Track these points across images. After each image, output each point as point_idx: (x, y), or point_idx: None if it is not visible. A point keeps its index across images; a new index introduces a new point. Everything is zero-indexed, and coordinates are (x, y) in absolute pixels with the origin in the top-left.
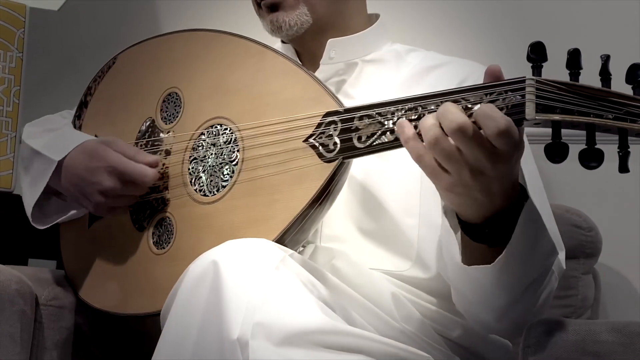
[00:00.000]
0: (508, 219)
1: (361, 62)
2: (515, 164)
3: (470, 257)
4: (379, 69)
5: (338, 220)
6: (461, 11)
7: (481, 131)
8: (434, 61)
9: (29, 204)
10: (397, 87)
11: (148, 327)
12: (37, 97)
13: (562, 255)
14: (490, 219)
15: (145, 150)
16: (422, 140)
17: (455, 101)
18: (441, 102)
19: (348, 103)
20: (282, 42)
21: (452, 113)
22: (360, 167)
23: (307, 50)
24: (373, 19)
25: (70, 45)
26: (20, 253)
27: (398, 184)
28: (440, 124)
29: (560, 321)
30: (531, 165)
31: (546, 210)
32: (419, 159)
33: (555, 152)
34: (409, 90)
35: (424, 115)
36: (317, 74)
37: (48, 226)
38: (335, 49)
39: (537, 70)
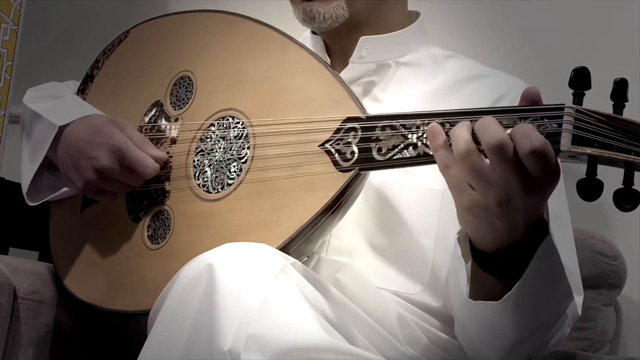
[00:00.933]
0: (524, 253)
1: (394, 63)
2: (546, 199)
3: (477, 290)
4: (413, 73)
5: (348, 232)
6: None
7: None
8: (473, 72)
9: (27, 176)
10: (430, 96)
11: (132, 331)
12: (31, 74)
13: (579, 300)
14: (504, 250)
15: (149, 136)
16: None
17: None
18: (471, 120)
19: (375, 107)
20: (312, 32)
21: (494, 128)
22: (378, 176)
23: (337, 45)
24: (412, 17)
25: (70, 20)
26: (0, 241)
27: (417, 200)
28: (475, 137)
29: (575, 355)
30: (562, 199)
31: (569, 248)
32: (445, 169)
33: (590, 190)
34: (442, 101)
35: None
36: (345, 72)
37: (39, 203)
38: (367, 47)
39: (578, 98)
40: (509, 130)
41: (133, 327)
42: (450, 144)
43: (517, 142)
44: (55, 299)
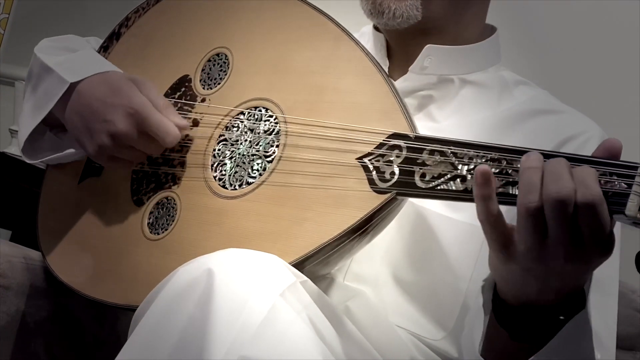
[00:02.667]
0: (548, 317)
1: (458, 80)
2: (591, 271)
3: (489, 345)
4: (477, 95)
5: (373, 259)
6: None
7: None
8: (543, 105)
9: (24, 131)
10: (491, 124)
11: (105, 334)
12: (27, 31)
13: None
14: (527, 308)
15: None
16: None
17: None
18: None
19: (429, 126)
20: (375, 28)
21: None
22: (417, 201)
23: (401, 47)
24: (487, 31)
25: None
26: None
27: (457, 236)
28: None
29: None
30: (613, 264)
31: (607, 319)
32: (487, 221)
33: None
34: (504, 132)
35: (506, 171)
36: (402, 81)
37: (38, 161)
38: (431, 57)
39: None
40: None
41: (107, 329)
42: (499, 192)
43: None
44: (24, 286)
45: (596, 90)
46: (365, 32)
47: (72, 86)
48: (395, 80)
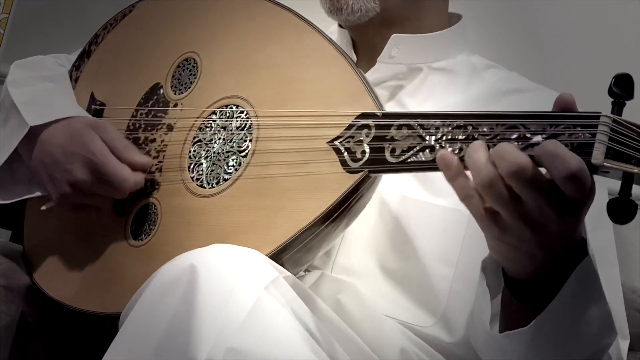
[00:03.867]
0: (564, 277)
1: (427, 68)
2: (583, 217)
3: (508, 323)
4: (447, 81)
5: (358, 249)
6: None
7: (545, 174)
8: (515, 84)
9: None
10: (462, 107)
11: (106, 333)
12: (27, 31)
13: (624, 345)
14: (542, 276)
15: (144, 122)
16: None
17: (512, 126)
18: (496, 124)
19: None
20: (340, 26)
21: (510, 152)
22: (397, 192)
23: (365, 41)
24: (453, 19)
25: None
26: None
27: (440, 222)
28: (494, 164)
29: None
30: (608, 233)
31: (613, 287)
32: (467, 200)
33: (621, 210)
34: None
35: (473, 137)
36: (371, 73)
37: (11, 201)
38: (398, 46)
39: (617, 108)
40: (535, 138)
41: (107, 328)
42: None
43: (549, 166)
44: (24, 287)
45: (596, 89)
46: (333, 31)
47: (34, 130)
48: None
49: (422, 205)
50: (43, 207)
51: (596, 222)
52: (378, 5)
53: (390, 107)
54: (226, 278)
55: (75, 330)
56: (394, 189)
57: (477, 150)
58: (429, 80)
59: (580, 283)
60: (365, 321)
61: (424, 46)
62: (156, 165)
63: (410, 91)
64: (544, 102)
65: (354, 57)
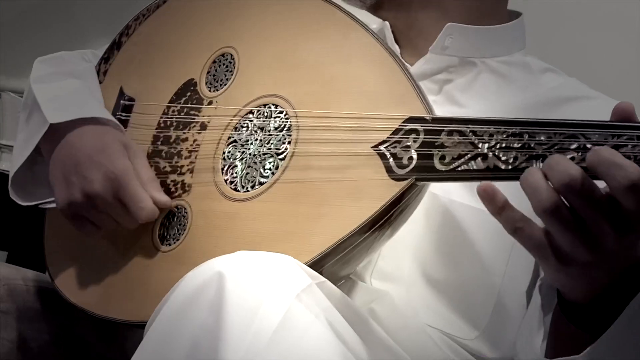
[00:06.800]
0: (623, 301)
1: (481, 63)
2: None
3: (561, 348)
4: (502, 80)
5: (401, 255)
6: None
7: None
8: (575, 91)
9: (14, 166)
10: (517, 111)
11: (113, 355)
12: (13, 42)
13: None
14: (599, 298)
15: (176, 119)
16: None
17: (572, 136)
18: (554, 133)
19: (453, 112)
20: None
21: (561, 163)
22: (445, 197)
23: (413, 30)
24: (512, 17)
25: None
26: None
27: (489, 230)
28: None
29: None
30: None
31: None
32: (518, 233)
33: None
34: None
35: (529, 145)
36: (421, 64)
37: (31, 204)
38: (452, 36)
39: None
40: (588, 157)
41: (114, 349)
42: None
43: (606, 175)
44: (24, 310)
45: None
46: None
47: (56, 127)
48: (411, 65)
49: (470, 211)
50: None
51: None
52: None
53: (439, 102)
54: (255, 287)
55: (82, 352)
56: (442, 194)
57: (534, 174)
58: (482, 78)
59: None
60: (402, 331)
61: (481, 39)
62: (187, 166)
63: (461, 86)
64: (606, 113)
65: (397, 48)
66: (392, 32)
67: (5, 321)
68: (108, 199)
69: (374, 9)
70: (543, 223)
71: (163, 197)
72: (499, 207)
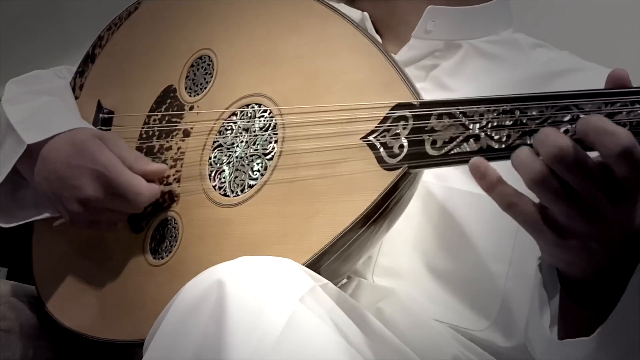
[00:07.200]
0: (626, 275)
1: (467, 45)
2: (637, 202)
3: (570, 328)
4: (489, 60)
5: (402, 249)
6: None
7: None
8: (566, 64)
9: None
10: (508, 89)
11: None
12: (14, 44)
13: None
14: (601, 274)
15: (157, 128)
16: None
17: (564, 107)
18: (546, 107)
19: (440, 95)
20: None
21: (549, 135)
22: (441, 185)
23: (392, 14)
24: None
25: None
26: None
27: (491, 215)
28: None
29: None
30: None
31: None
32: (511, 208)
33: None
34: None
35: (521, 122)
36: (405, 51)
37: (15, 225)
38: (435, 20)
39: None
40: (578, 126)
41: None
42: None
43: (596, 142)
44: (27, 327)
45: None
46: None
47: (33, 147)
48: (395, 54)
49: (470, 197)
50: (55, 224)
51: None
52: None
53: (427, 88)
54: (257, 292)
55: None
56: (438, 181)
57: (523, 150)
58: (470, 59)
59: None
60: (412, 329)
61: (464, 20)
62: (174, 175)
63: (448, 70)
64: (601, 83)
65: (379, 39)
66: (372, 22)
67: (8, 340)
68: (103, 197)
69: (352, 1)
70: (536, 197)
71: (156, 166)
72: (491, 183)
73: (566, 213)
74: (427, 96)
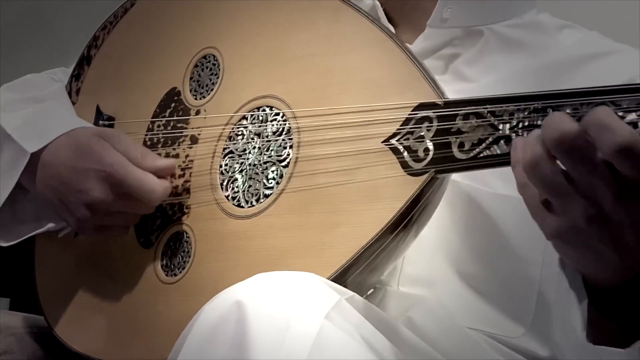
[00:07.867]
0: None
1: (488, 31)
2: None
3: (598, 334)
4: (513, 46)
5: (428, 255)
6: None
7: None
8: (597, 47)
9: None
10: (536, 77)
11: None
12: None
13: None
14: (626, 284)
15: (162, 135)
16: None
17: (600, 105)
18: (581, 104)
19: (463, 89)
20: None
21: (555, 119)
22: (469, 186)
23: (405, 2)
24: None
25: None
26: None
27: (520, 217)
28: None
29: None
30: None
31: None
32: (523, 190)
33: None
34: (552, 84)
35: None
36: (420, 41)
37: (15, 242)
38: (451, 6)
39: None
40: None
41: None
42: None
43: (595, 137)
44: (33, 358)
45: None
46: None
47: (35, 155)
48: (410, 44)
49: (497, 199)
50: (61, 234)
51: None
52: None
53: (447, 81)
54: (279, 311)
55: None
56: (465, 182)
57: (533, 133)
58: (491, 46)
59: None
60: (446, 337)
61: (482, 4)
62: (183, 185)
63: (468, 59)
64: (630, 65)
65: (392, 30)
66: (384, 10)
67: None
68: (112, 200)
69: None
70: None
71: (166, 162)
72: (516, 160)
73: (560, 203)
74: (447, 88)
